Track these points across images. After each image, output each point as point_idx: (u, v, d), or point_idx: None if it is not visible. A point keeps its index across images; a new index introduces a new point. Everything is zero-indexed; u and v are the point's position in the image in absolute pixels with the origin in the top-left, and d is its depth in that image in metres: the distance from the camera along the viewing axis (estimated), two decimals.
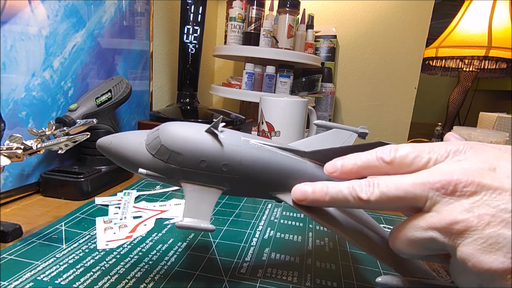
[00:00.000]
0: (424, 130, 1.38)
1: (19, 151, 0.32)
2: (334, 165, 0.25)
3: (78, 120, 0.43)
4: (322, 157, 0.29)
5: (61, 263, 0.30)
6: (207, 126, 0.26)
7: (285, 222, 0.43)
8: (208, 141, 0.26)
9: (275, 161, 0.27)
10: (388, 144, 0.26)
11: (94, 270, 0.30)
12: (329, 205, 0.25)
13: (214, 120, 0.26)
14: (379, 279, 0.22)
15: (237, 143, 0.26)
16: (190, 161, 0.25)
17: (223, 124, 0.28)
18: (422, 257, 0.22)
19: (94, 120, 0.42)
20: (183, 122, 0.27)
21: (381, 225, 0.28)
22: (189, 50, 0.74)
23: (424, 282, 0.22)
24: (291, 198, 0.26)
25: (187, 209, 0.24)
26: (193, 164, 0.25)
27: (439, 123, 1.23)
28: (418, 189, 0.20)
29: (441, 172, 0.20)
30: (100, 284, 0.28)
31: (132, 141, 0.26)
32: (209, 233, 0.38)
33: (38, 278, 0.28)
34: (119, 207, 0.43)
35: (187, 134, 0.26)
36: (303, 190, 0.25)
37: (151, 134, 0.26)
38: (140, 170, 0.25)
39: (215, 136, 0.26)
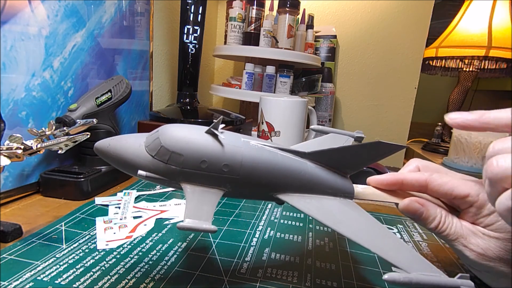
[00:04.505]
0: (424, 130, 1.38)
1: (19, 151, 0.32)
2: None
3: (78, 120, 0.43)
4: (321, 157, 0.29)
5: (61, 263, 0.30)
6: (206, 128, 0.26)
7: (285, 222, 0.43)
8: (209, 141, 0.26)
9: (276, 161, 0.27)
10: (387, 143, 0.27)
11: (94, 270, 0.30)
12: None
13: (214, 120, 0.26)
14: (386, 277, 0.21)
15: (237, 144, 0.26)
16: (191, 162, 0.25)
17: (223, 125, 0.28)
18: None
19: (94, 120, 0.42)
20: (182, 124, 0.27)
21: (383, 226, 0.28)
22: (189, 50, 0.74)
23: (431, 277, 0.22)
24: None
25: (188, 210, 0.23)
26: (193, 164, 0.25)
27: (439, 123, 1.23)
28: None
29: None
30: (100, 284, 0.28)
31: (131, 143, 0.26)
32: (209, 233, 0.38)
33: (38, 278, 0.28)
34: (119, 207, 0.43)
35: (188, 134, 0.26)
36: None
37: (150, 136, 0.26)
38: (140, 172, 0.25)
39: (216, 136, 0.26)
